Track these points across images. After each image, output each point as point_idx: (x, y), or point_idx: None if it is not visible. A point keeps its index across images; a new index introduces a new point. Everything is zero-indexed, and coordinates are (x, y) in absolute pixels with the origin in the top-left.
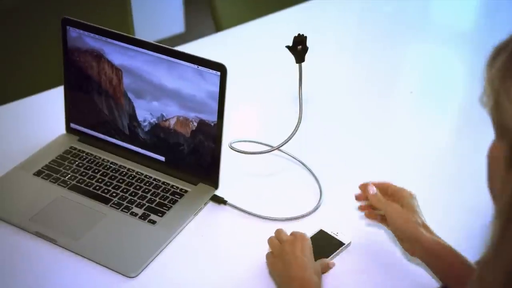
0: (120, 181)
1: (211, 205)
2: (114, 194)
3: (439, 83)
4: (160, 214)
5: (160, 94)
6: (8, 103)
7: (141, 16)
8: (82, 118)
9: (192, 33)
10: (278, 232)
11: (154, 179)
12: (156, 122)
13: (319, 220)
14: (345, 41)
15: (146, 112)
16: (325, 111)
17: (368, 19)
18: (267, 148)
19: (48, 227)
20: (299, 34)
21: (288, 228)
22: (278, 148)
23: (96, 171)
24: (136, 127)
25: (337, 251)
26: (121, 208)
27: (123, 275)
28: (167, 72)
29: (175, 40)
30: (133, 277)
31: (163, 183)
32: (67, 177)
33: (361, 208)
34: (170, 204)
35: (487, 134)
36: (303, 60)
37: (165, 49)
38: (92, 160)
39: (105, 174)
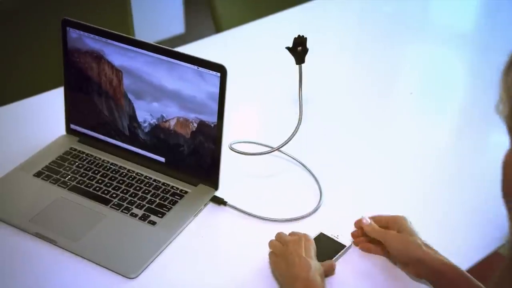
0: (120, 182)
1: (211, 206)
2: (114, 195)
3: (439, 83)
4: (160, 215)
5: (160, 95)
6: (8, 104)
7: (141, 17)
8: (82, 119)
9: (192, 34)
10: (279, 235)
11: (154, 180)
12: (156, 123)
13: (319, 221)
14: (345, 42)
15: (146, 113)
16: (325, 112)
17: (368, 20)
18: (267, 149)
19: (48, 228)
20: (299, 36)
21: (288, 229)
22: (278, 149)
23: (96, 172)
24: (136, 128)
25: (339, 254)
26: (121, 209)
27: (123, 276)
28: (167, 73)
29: (175, 41)
30: (133, 278)
31: (163, 184)
32: (67, 178)
33: (355, 243)
34: (170, 205)
35: (487, 134)
36: (303, 61)
37: (165, 50)
38: (92, 161)
39: (105, 175)
